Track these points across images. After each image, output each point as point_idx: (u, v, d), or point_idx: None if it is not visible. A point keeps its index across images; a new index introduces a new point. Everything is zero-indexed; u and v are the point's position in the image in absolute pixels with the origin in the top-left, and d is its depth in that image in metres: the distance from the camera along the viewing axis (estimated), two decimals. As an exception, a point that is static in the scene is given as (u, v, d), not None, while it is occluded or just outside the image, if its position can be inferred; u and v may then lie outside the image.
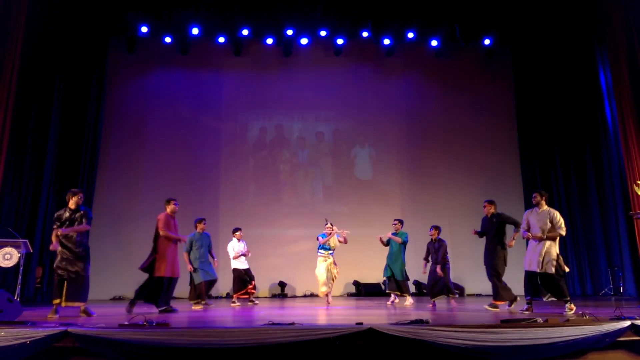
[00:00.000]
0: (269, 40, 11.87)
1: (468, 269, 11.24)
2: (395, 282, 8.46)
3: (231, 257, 8.79)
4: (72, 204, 6.29)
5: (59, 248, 6.18)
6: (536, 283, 6.64)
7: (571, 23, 11.01)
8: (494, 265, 7.20)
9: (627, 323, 4.36)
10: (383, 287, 11.40)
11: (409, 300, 8.32)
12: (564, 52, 11.31)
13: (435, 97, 12.20)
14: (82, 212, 6.30)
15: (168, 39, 11.68)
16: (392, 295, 8.64)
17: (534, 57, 11.74)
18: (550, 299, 7.22)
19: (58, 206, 10.43)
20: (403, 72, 12.36)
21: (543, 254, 6.43)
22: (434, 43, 11.87)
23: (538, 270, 6.48)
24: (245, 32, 11.56)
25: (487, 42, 11.83)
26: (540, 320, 4.47)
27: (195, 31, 11.44)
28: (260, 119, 12.15)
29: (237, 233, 8.93)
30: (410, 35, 11.72)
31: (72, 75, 10.97)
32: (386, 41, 11.84)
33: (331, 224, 8.49)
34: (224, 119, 12.04)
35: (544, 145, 11.45)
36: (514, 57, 12.16)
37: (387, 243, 8.67)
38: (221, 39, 11.78)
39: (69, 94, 10.90)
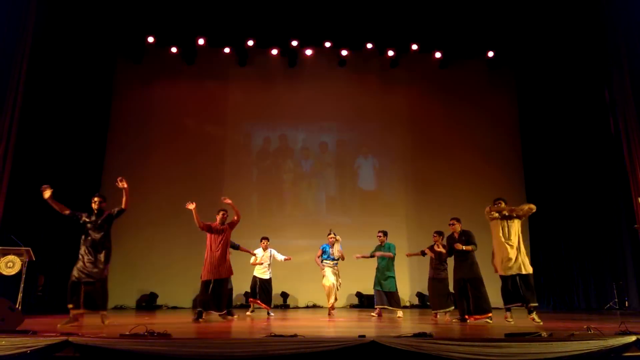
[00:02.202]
0: (274, 51, 11.95)
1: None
2: (385, 295, 8.18)
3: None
4: (95, 206, 6.44)
5: (84, 252, 6.20)
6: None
7: (574, 36, 11.03)
8: (481, 276, 7.23)
9: (633, 338, 4.31)
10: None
11: (399, 313, 8.19)
12: (567, 65, 11.32)
13: (439, 109, 12.22)
14: (105, 215, 6.47)
15: (174, 49, 11.76)
16: (377, 309, 8.30)
17: (536, 69, 11.77)
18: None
19: (61, 215, 10.45)
20: (407, 84, 12.40)
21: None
22: (438, 55, 11.91)
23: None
24: (250, 42, 11.64)
25: (490, 54, 11.86)
26: (544, 334, 4.43)
27: (201, 41, 11.53)
28: (264, 129, 12.20)
29: (262, 242, 8.81)
30: (415, 47, 11.75)
31: (79, 84, 11.02)
32: (390, 53, 11.89)
33: (334, 234, 8.42)
34: (228, 129, 12.10)
35: (547, 156, 11.41)
36: (517, 70, 12.20)
37: (371, 256, 8.49)
38: (226, 49, 11.86)
39: (76, 103, 10.95)
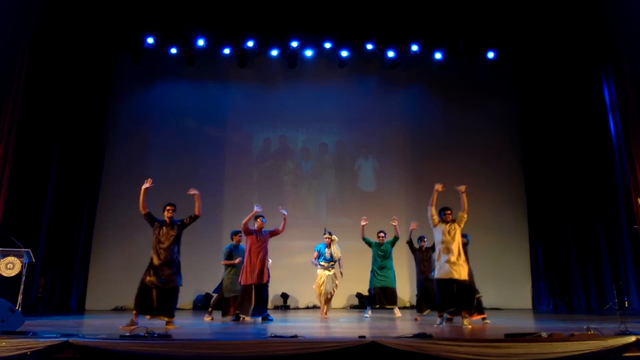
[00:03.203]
0: (274, 52, 11.92)
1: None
2: (386, 293, 8.22)
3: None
4: (167, 215, 6.53)
5: (154, 261, 6.25)
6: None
7: (575, 37, 11.04)
8: (472, 279, 7.19)
9: (633, 338, 4.32)
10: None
11: (397, 313, 8.31)
12: (568, 66, 11.33)
13: (439, 110, 12.19)
14: (178, 224, 6.53)
15: (174, 50, 11.72)
16: (370, 310, 8.30)
17: (537, 71, 11.75)
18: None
19: (61, 216, 10.52)
20: (407, 85, 12.37)
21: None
22: (438, 56, 11.85)
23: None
24: (250, 43, 11.61)
25: (490, 55, 11.83)
26: (544, 335, 4.44)
27: (200, 42, 11.50)
28: (264, 130, 12.18)
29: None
30: (415, 48, 11.71)
31: (78, 85, 11.04)
32: (390, 54, 11.85)
33: (330, 233, 8.22)
34: (228, 130, 12.08)
35: (547, 157, 11.40)
36: (518, 71, 12.16)
37: (383, 250, 8.45)
38: (226, 51, 11.83)
39: (75, 104, 10.97)
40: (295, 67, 12.05)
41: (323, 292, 8.13)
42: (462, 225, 6.73)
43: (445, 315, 6.87)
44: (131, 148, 11.68)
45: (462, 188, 6.74)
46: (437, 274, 6.49)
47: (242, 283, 7.37)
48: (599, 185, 10.73)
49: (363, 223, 8.41)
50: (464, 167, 11.73)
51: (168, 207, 6.56)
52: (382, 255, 8.48)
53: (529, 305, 11.12)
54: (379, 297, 8.29)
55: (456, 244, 6.54)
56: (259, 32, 11.55)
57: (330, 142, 12.19)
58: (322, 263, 8.17)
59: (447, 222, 6.65)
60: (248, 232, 7.53)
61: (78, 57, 11.00)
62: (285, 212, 7.64)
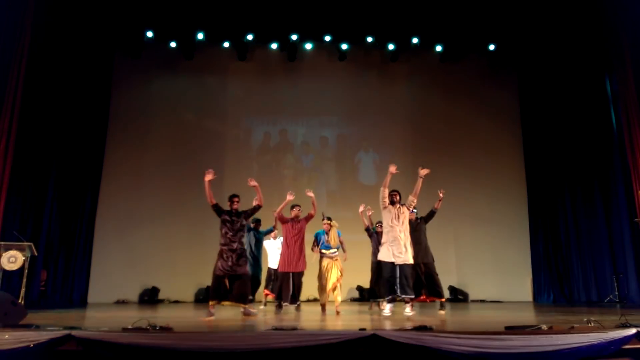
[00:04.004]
0: (274, 45, 11.92)
1: (473, 275, 11.28)
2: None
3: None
4: (234, 207, 6.69)
5: (224, 251, 6.42)
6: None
7: (576, 30, 10.99)
8: (433, 262, 7.36)
9: (633, 331, 4.33)
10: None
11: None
12: (569, 58, 11.28)
13: (440, 103, 12.17)
14: (243, 214, 6.74)
15: (173, 44, 11.74)
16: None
17: (538, 63, 11.71)
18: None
19: (62, 210, 10.54)
20: (407, 78, 12.35)
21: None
22: (439, 49, 11.87)
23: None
24: (249, 37, 11.62)
25: (491, 47, 11.82)
26: (544, 327, 4.45)
27: (200, 36, 11.52)
28: (264, 124, 12.17)
29: (273, 233, 8.80)
30: (415, 40, 11.71)
31: (78, 79, 11.03)
32: (390, 46, 11.85)
33: (329, 219, 7.70)
34: (228, 124, 12.08)
35: (548, 151, 11.40)
36: (518, 63, 12.13)
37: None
38: (226, 44, 11.84)
39: (74, 98, 10.96)
40: (295, 61, 12.07)
41: (327, 282, 7.47)
42: (411, 210, 6.83)
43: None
44: (132, 141, 11.68)
45: (423, 172, 6.76)
46: (381, 256, 6.54)
47: (279, 270, 7.51)
48: (599, 178, 10.72)
49: (368, 213, 8.15)
50: (464, 160, 11.83)
51: (235, 199, 6.74)
52: None
53: (530, 297, 11.15)
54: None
55: (403, 227, 6.55)
56: (259, 26, 11.55)
57: (330, 136, 12.19)
58: (322, 251, 7.63)
59: (394, 204, 6.65)
60: (283, 220, 7.63)
61: (78, 51, 10.97)
62: (312, 195, 7.61)
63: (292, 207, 7.70)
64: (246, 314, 6.48)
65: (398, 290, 6.41)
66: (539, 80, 11.68)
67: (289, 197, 7.48)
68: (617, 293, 10.01)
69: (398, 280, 6.39)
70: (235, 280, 6.38)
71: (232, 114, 12.12)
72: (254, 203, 6.93)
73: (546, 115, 11.49)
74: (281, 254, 7.61)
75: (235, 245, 6.48)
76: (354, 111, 12.16)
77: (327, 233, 7.61)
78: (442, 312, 7.12)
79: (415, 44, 11.78)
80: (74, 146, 10.90)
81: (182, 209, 11.32)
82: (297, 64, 12.12)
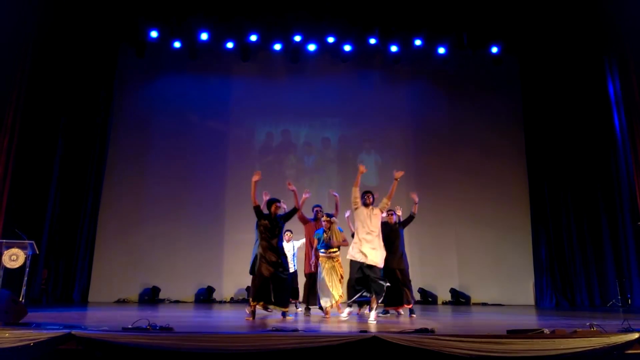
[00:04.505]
0: (277, 46, 11.89)
1: (475, 278, 11.22)
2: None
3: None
4: (275, 211, 6.74)
5: (266, 254, 6.46)
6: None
7: (579, 32, 10.97)
8: (407, 269, 7.34)
9: (636, 335, 4.30)
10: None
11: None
12: (572, 61, 11.25)
13: (443, 105, 12.13)
14: (281, 217, 6.80)
15: (177, 44, 11.71)
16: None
17: (541, 65, 11.67)
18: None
19: (65, 208, 10.55)
20: (410, 79, 12.31)
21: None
22: (442, 50, 11.82)
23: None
24: (253, 37, 11.60)
25: (494, 50, 11.78)
26: (547, 331, 4.42)
27: (204, 36, 11.49)
28: (267, 125, 12.15)
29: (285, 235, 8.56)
30: (418, 42, 11.68)
31: (82, 78, 11.05)
32: (393, 48, 11.81)
33: (328, 215, 7.16)
34: (231, 124, 12.06)
35: (551, 153, 11.36)
36: (522, 66, 12.07)
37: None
38: (229, 45, 11.82)
39: (79, 98, 10.99)
40: (298, 62, 12.06)
41: (327, 284, 6.99)
42: (384, 212, 6.76)
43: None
44: (135, 141, 11.68)
45: (398, 175, 6.68)
46: (351, 254, 6.48)
47: (306, 272, 7.45)
48: (603, 181, 10.68)
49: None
50: (466, 162, 11.77)
51: (277, 204, 6.77)
52: None
53: (532, 301, 11.07)
54: None
55: (375, 229, 6.47)
56: (262, 27, 11.53)
57: (332, 137, 12.16)
58: (321, 251, 7.07)
59: (367, 206, 6.57)
60: (305, 220, 7.59)
61: (81, 51, 10.99)
62: (337, 194, 7.54)
63: (314, 207, 7.66)
64: (285, 316, 6.53)
65: (364, 292, 6.35)
66: (542, 81, 11.63)
67: (306, 195, 7.41)
68: (620, 297, 9.98)
69: (365, 281, 6.33)
70: (279, 284, 6.43)
71: (235, 114, 12.10)
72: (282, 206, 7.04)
73: (549, 118, 11.44)
74: (306, 256, 7.53)
75: (277, 249, 6.55)
76: (356, 112, 12.12)
77: (326, 231, 7.12)
78: (414, 316, 7.13)
79: (418, 46, 11.75)
80: (77, 144, 10.92)
81: (184, 209, 11.32)
82: (300, 65, 12.11)
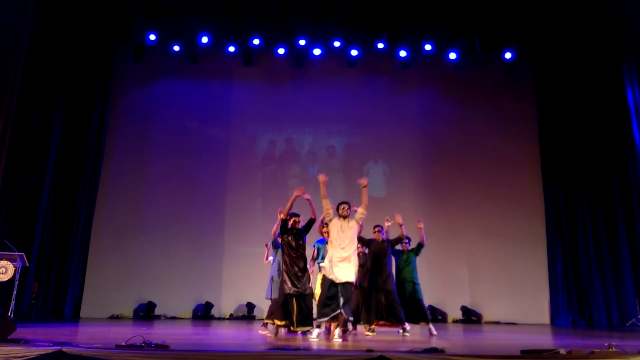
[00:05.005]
0: (281, 51, 11.96)
1: (486, 294, 11.17)
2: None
3: None
4: (296, 226, 6.62)
5: (290, 269, 6.39)
6: None
7: (597, 36, 10.95)
8: (395, 290, 7.21)
9: (658, 357, 4.25)
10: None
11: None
12: (590, 67, 11.25)
13: (453, 113, 12.15)
14: (301, 231, 6.66)
15: (176, 48, 11.82)
16: (408, 325, 7.42)
17: (557, 72, 11.69)
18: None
19: (57, 219, 10.58)
20: (420, 86, 12.35)
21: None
22: (453, 56, 11.87)
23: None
24: (256, 41, 11.68)
25: (508, 55, 11.80)
26: (563, 351, 4.38)
27: (204, 40, 11.58)
28: (269, 132, 12.20)
29: None
30: (428, 47, 11.74)
31: (77, 84, 11.15)
32: (402, 53, 11.87)
33: (326, 224, 6.80)
34: (232, 131, 12.11)
35: (567, 164, 11.33)
36: (537, 72, 12.10)
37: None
38: (231, 48, 11.90)
39: (73, 103, 11.07)
40: (302, 67, 12.12)
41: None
42: (361, 223, 6.53)
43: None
44: (131, 149, 11.73)
45: (364, 182, 6.57)
46: (324, 271, 6.38)
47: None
48: (622, 192, 10.61)
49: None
50: (478, 172, 11.79)
51: (297, 219, 6.63)
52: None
53: (547, 319, 11.03)
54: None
55: (350, 242, 6.33)
56: (266, 30, 11.61)
57: (338, 145, 12.19)
58: (322, 264, 6.88)
59: (344, 218, 6.43)
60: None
61: (76, 55, 11.09)
62: (309, 197, 7.37)
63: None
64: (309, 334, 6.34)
65: (335, 311, 6.15)
66: (558, 89, 11.64)
67: (306, 197, 7.10)
68: (640, 316, 9.90)
69: (336, 299, 6.17)
70: (302, 302, 6.35)
71: (237, 121, 12.16)
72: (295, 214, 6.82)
73: (565, 126, 11.43)
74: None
75: (301, 265, 6.47)
76: (363, 120, 12.15)
77: (327, 243, 6.82)
78: (407, 334, 7.00)
79: (428, 51, 11.80)
80: (70, 152, 10.98)
81: (182, 220, 11.34)
82: (305, 70, 12.17)
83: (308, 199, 6.60)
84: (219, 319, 10.85)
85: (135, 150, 11.74)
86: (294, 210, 6.64)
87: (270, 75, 12.29)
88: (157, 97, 12.11)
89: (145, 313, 10.77)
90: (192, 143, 11.87)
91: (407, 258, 7.66)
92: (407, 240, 7.70)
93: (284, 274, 6.42)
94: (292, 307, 6.29)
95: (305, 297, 6.35)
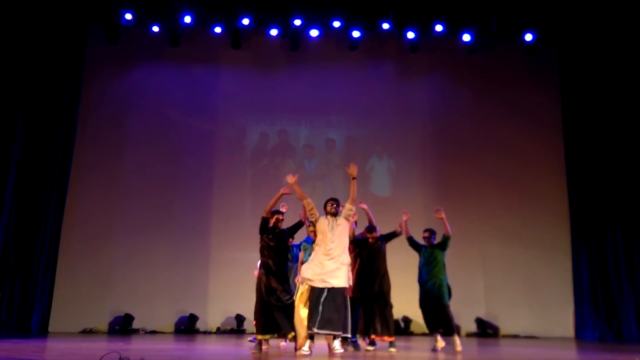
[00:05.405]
0: (273, 32, 11.94)
1: (504, 305, 11.20)
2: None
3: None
4: (279, 225, 6.65)
5: (263, 277, 6.38)
6: None
7: (631, 13, 10.84)
8: (389, 292, 7.19)
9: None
10: (402, 324, 11.25)
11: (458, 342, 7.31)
12: (622, 50, 11.19)
13: (467, 102, 12.14)
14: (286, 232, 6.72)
15: (155, 28, 11.79)
16: (439, 336, 7.34)
17: (584, 55, 11.63)
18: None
19: (22, 221, 10.55)
20: (430, 72, 12.34)
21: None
22: (467, 38, 11.84)
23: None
24: (245, 21, 11.66)
25: (528, 37, 11.78)
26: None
27: (187, 19, 11.54)
28: (261, 123, 12.20)
29: None
30: (439, 28, 11.71)
31: (44, 69, 11.09)
32: (410, 35, 11.85)
33: (312, 223, 6.65)
34: (219, 122, 12.10)
35: (595, 160, 11.32)
36: (561, 56, 12.06)
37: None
38: (217, 29, 11.87)
39: (39, 91, 11.02)
40: (298, 50, 12.07)
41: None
42: (350, 220, 6.58)
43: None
44: (105, 142, 11.69)
45: (353, 171, 6.60)
46: (307, 277, 6.31)
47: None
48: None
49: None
50: (495, 169, 11.81)
51: (280, 217, 6.67)
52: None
53: (571, 333, 11.07)
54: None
55: (339, 243, 6.33)
56: (256, 8, 11.58)
57: (338, 138, 12.19)
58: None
59: (333, 215, 6.46)
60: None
61: (43, 36, 11.02)
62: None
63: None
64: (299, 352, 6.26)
65: (318, 323, 6.04)
66: (585, 76, 11.59)
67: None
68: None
69: (321, 308, 6.09)
70: (282, 311, 6.34)
71: (224, 111, 12.14)
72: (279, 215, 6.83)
73: (593, 118, 11.39)
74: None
75: (281, 268, 6.49)
76: (366, 110, 12.14)
77: (314, 242, 6.70)
78: (393, 349, 6.95)
79: (439, 32, 11.78)
80: (36, 146, 10.95)
81: (164, 223, 11.34)
82: (301, 54, 12.13)
83: (296, 191, 6.60)
84: (205, 333, 10.86)
85: (110, 144, 11.70)
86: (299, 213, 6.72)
87: (262, 59, 12.27)
88: (134, 84, 12.06)
89: (122, 327, 10.76)
90: (174, 136, 11.85)
91: (430, 254, 7.55)
92: (430, 235, 7.65)
93: (262, 279, 6.40)
94: (273, 317, 6.29)
95: (287, 306, 6.34)
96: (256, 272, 6.98)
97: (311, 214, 6.49)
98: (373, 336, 7.04)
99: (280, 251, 6.53)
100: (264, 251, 6.52)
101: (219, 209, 11.54)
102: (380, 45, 12.26)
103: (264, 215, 6.56)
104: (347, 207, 6.51)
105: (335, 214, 6.48)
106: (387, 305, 7.09)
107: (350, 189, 6.55)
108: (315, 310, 6.08)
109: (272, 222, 6.57)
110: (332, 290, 6.15)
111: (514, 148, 11.89)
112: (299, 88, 12.21)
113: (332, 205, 6.51)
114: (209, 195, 11.65)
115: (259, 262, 6.73)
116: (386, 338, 6.99)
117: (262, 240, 6.57)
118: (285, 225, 6.75)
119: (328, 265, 6.22)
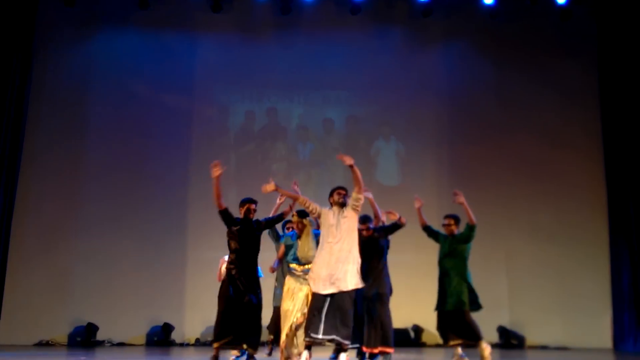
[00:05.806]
0: (260, -8, 11.93)
1: (531, 311, 11.19)
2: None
3: None
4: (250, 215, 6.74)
5: (236, 272, 6.47)
6: None
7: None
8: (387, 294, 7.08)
9: None
10: (412, 333, 11.18)
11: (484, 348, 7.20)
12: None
13: (489, 75, 12.11)
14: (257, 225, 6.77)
15: (121, -13, 11.69)
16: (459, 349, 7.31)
17: (627, 22, 11.45)
18: None
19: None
20: (445, 40, 12.30)
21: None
22: (489, 0, 11.71)
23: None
24: (227, -22, 11.59)
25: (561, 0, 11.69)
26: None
27: (158, -23, 11.44)
28: (246, 100, 12.14)
29: None
30: (456, -13, 11.78)
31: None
32: (422, -5, 11.90)
33: (300, 214, 6.65)
34: (196, 100, 12.03)
35: (635, 142, 11.16)
36: (599, 21, 11.98)
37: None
38: (194, -11, 11.82)
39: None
40: (290, 13, 11.94)
41: (292, 316, 6.51)
42: (359, 211, 6.49)
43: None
44: (62, 122, 11.56)
45: (347, 159, 6.37)
46: (311, 277, 6.25)
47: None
48: None
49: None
50: (521, 155, 11.85)
51: (252, 206, 6.73)
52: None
53: (609, 343, 11.10)
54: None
55: (347, 239, 6.25)
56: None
57: (337, 118, 12.15)
58: (292, 265, 6.68)
59: (341, 206, 6.40)
60: None
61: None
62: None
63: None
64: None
65: (321, 329, 5.98)
66: (628, 45, 11.40)
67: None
68: None
69: (324, 314, 6.02)
70: (247, 316, 6.41)
71: (202, 85, 12.07)
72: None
73: (636, 94, 11.22)
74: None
75: (248, 268, 6.55)
76: (370, 85, 12.11)
77: (299, 237, 6.69)
78: None
79: (456, -7, 11.84)
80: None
81: (132, 219, 11.30)
82: (293, 19, 12.02)
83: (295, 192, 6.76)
84: (182, 345, 10.87)
85: (68, 126, 11.56)
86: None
87: (247, 25, 12.17)
88: (96, 54, 11.91)
89: (84, 338, 10.68)
90: (144, 116, 11.80)
91: (450, 245, 7.48)
92: (453, 221, 7.63)
93: (224, 277, 6.55)
94: (235, 322, 6.32)
95: (252, 310, 6.42)
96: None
97: (311, 212, 6.44)
98: (364, 348, 6.90)
99: (250, 245, 6.61)
100: (231, 243, 6.61)
101: (196, 201, 11.36)
102: (387, 8, 12.19)
103: (218, 208, 6.63)
104: (354, 197, 6.40)
105: (343, 205, 6.40)
106: (383, 310, 6.92)
107: (354, 177, 6.40)
108: (318, 316, 6.02)
109: (243, 211, 6.65)
110: (338, 294, 6.09)
111: (542, 130, 11.92)
112: (291, 59, 12.14)
113: (339, 194, 6.45)
114: (185, 184, 11.58)
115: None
116: (380, 349, 6.86)
117: (229, 231, 6.64)
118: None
119: (334, 266, 6.14)
